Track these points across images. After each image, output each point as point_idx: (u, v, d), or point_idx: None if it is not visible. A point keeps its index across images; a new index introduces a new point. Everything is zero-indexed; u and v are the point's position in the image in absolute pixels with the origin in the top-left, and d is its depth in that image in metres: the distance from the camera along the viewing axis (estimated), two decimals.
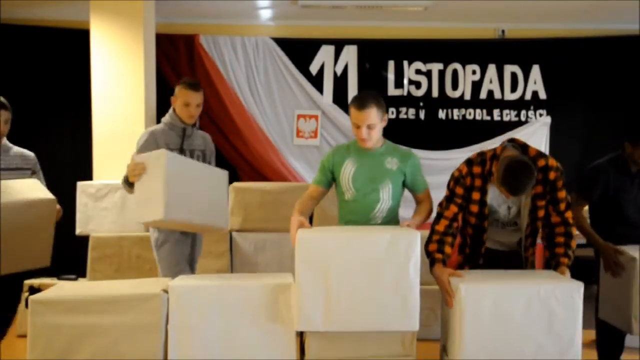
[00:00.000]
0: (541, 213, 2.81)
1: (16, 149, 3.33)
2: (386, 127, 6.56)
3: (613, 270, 3.15)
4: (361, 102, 2.87)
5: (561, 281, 2.54)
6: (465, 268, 2.99)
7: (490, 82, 5.94)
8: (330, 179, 3.03)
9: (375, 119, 2.87)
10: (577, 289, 2.48)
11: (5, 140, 3.28)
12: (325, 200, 4.24)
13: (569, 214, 2.82)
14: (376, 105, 2.87)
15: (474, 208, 2.85)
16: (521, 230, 2.86)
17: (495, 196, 2.85)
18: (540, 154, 2.83)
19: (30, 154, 3.41)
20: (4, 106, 3.22)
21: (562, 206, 2.80)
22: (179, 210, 2.85)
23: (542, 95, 5.93)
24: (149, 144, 3.31)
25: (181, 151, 3.39)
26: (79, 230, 4.35)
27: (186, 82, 3.48)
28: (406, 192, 3.18)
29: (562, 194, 2.81)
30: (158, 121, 5.03)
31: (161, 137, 3.37)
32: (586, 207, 3.56)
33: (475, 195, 2.83)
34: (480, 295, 2.46)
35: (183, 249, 3.38)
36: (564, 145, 5.89)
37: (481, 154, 2.87)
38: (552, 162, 2.82)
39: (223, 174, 3.33)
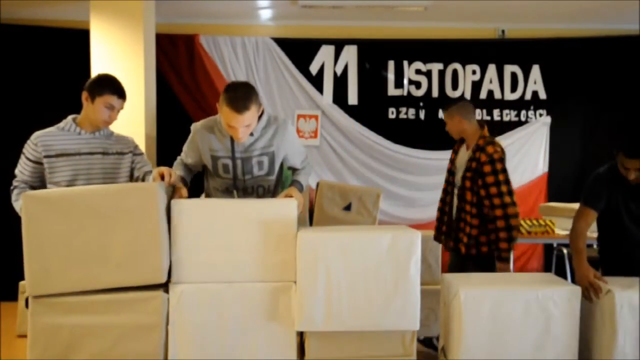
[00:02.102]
0: (468, 184, 3.30)
1: (116, 134, 3.05)
2: (387, 127, 6.55)
3: (587, 293, 2.66)
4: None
5: (559, 286, 2.56)
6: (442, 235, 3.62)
7: (490, 82, 5.94)
8: None
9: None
10: (575, 293, 2.50)
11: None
12: (325, 200, 4.25)
13: (498, 212, 3.20)
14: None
15: (449, 166, 3.64)
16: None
17: (458, 159, 3.53)
18: (486, 137, 3.41)
19: (129, 137, 3.11)
20: (124, 95, 2.97)
21: (494, 200, 3.21)
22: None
23: (542, 95, 5.93)
24: (189, 144, 2.88)
25: (233, 159, 2.79)
26: None
27: (229, 97, 2.59)
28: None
29: (491, 179, 3.21)
30: (158, 121, 5.07)
31: (205, 141, 2.79)
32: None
33: (452, 156, 3.65)
34: (480, 299, 2.47)
35: None
36: (564, 145, 5.89)
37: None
38: (490, 148, 3.29)
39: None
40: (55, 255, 2.39)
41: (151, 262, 2.43)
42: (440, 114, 5.93)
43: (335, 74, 5.90)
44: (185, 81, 5.72)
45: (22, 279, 2.66)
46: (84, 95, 2.92)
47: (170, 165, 3.09)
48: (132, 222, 2.42)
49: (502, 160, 3.28)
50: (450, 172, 3.60)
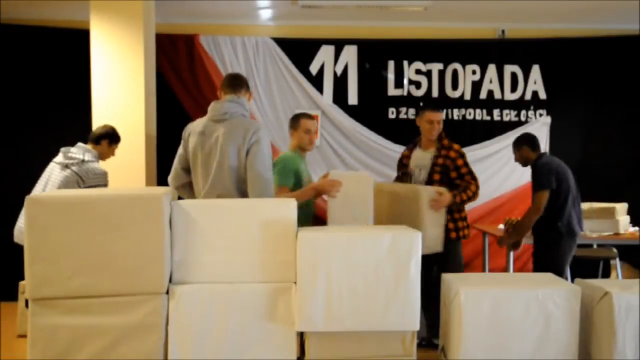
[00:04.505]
0: (436, 177, 3.94)
1: None
2: (387, 127, 6.56)
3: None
4: (308, 113, 3.87)
5: (559, 286, 2.56)
6: None
7: (490, 82, 5.94)
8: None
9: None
10: (575, 293, 2.50)
11: None
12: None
13: (471, 182, 3.95)
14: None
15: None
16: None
17: (415, 160, 4.09)
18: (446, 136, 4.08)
19: None
20: None
21: (467, 178, 3.96)
22: None
23: (542, 95, 5.93)
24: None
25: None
26: None
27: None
28: None
29: (465, 170, 3.97)
30: (158, 121, 5.07)
31: None
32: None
33: (405, 161, 4.20)
34: (480, 299, 2.47)
35: None
36: (564, 145, 5.88)
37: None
38: (457, 146, 4.05)
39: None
40: (56, 260, 2.38)
41: (154, 272, 2.44)
42: None
43: (335, 74, 5.90)
44: (185, 81, 5.72)
45: (22, 279, 2.65)
46: None
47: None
48: (137, 231, 2.42)
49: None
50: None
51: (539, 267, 4.14)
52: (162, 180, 4.82)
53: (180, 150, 3.15)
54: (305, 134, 3.62)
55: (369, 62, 5.91)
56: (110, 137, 4.02)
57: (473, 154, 5.89)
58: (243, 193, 2.92)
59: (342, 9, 5.40)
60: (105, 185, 3.86)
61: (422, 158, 4.09)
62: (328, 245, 2.46)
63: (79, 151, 3.85)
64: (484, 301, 2.47)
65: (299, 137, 3.64)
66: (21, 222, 3.77)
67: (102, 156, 4.03)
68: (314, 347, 2.52)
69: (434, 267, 3.79)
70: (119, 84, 4.71)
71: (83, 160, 3.80)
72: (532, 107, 5.93)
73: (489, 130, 5.92)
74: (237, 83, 3.09)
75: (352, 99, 5.91)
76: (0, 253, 4.86)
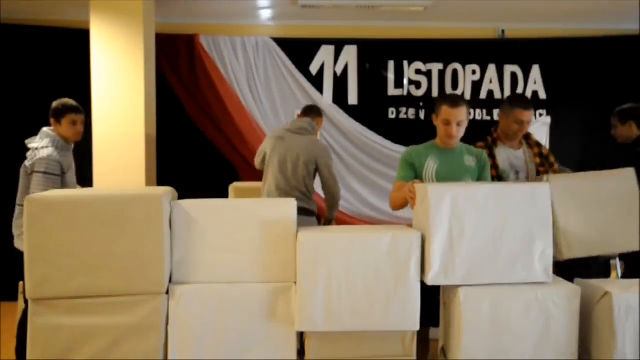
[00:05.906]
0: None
1: None
2: (387, 127, 6.54)
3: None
4: (454, 99, 3.09)
5: (559, 286, 2.56)
6: None
7: (490, 82, 5.94)
8: (414, 175, 3.11)
9: (465, 116, 3.05)
10: (575, 293, 2.50)
11: None
12: None
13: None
14: (466, 104, 3.09)
15: (492, 172, 3.33)
16: None
17: (503, 161, 3.44)
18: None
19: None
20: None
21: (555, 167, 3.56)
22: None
23: (542, 95, 5.94)
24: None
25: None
26: None
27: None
28: None
29: (554, 162, 3.58)
30: (158, 121, 5.07)
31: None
32: None
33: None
34: (480, 299, 2.47)
35: None
36: (564, 145, 5.88)
37: (482, 139, 3.55)
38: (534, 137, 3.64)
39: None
40: (56, 261, 2.38)
41: (153, 272, 2.44)
42: None
43: (335, 74, 5.90)
44: (185, 81, 5.71)
45: (22, 279, 2.65)
46: None
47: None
48: (136, 231, 2.42)
49: None
50: (497, 177, 3.43)
51: None
52: (162, 180, 4.83)
53: (261, 146, 4.27)
54: (443, 125, 3.07)
55: (369, 62, 5.91)
56: (53, 115, 3.75)
57: None
58: (307, 187, 4.05)
59: (342, 9, 5.40)
60: (45, 171, 3.45)
61: (515, 158, 3.52)
62: (328, 245, 2.46)
63: (39, 139, 3.71)
64: (484, 301, 2.47)
65: (438, 126, 3.15)
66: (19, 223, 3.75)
67: (67, 136, 3.71)
68: (314, 347, 2.52)
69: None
70: (119, 84, 4.71)
71: (36, 148, 3.61)
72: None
73: (489, 130, 5.91)
74: (310, 111, 4.36)
75: (352, 99, 5.91)
76: (1, 253, 4.86)
